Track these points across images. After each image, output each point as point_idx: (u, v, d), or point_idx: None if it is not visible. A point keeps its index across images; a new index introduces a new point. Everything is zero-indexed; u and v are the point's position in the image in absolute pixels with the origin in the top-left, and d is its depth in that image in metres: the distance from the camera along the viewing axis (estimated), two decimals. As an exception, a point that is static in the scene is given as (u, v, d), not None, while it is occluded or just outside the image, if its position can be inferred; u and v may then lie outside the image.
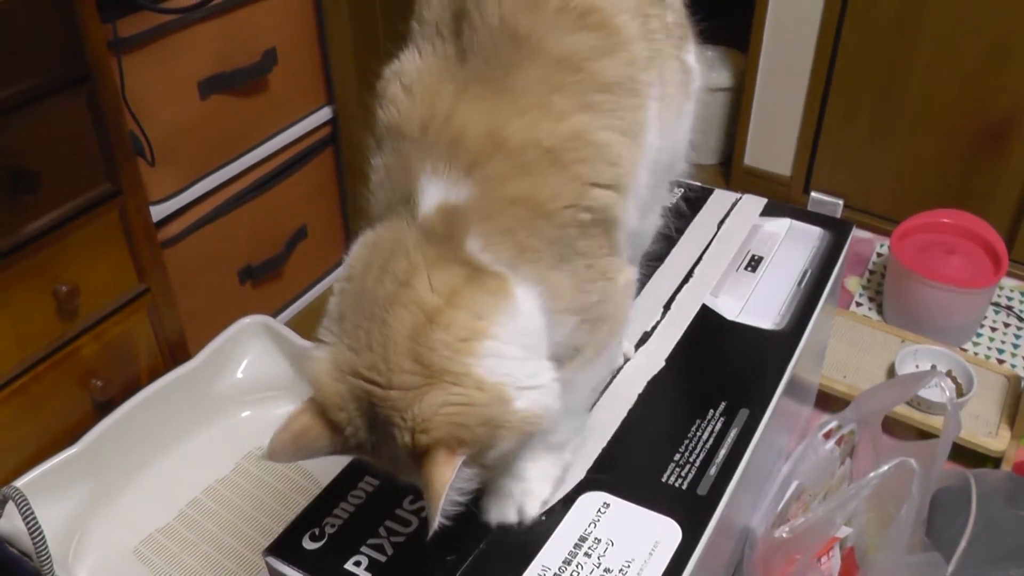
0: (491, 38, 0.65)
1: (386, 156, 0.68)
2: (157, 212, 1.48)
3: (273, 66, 1.66)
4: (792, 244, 1.09)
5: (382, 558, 0.70)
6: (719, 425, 0.83)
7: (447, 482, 0.58)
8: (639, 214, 0.74)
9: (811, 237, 1.10)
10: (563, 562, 0.70)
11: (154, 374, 1.45)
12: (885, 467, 0.97)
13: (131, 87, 1.37)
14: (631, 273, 0.73)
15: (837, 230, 1.11)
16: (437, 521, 0.58)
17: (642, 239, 0.90)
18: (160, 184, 1.51)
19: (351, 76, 1.82)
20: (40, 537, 1.12)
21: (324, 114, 1.86)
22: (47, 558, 1.13)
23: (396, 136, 0.66)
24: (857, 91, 2.09)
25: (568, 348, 0.69)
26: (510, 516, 0.74)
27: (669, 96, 0.75)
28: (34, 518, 1.12)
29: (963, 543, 1.10)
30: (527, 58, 0.65)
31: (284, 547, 0.72)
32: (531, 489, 0.74)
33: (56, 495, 1.28)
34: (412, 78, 0.67)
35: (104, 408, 1.37)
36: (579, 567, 0.69)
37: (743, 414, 0.84)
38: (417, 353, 0.60)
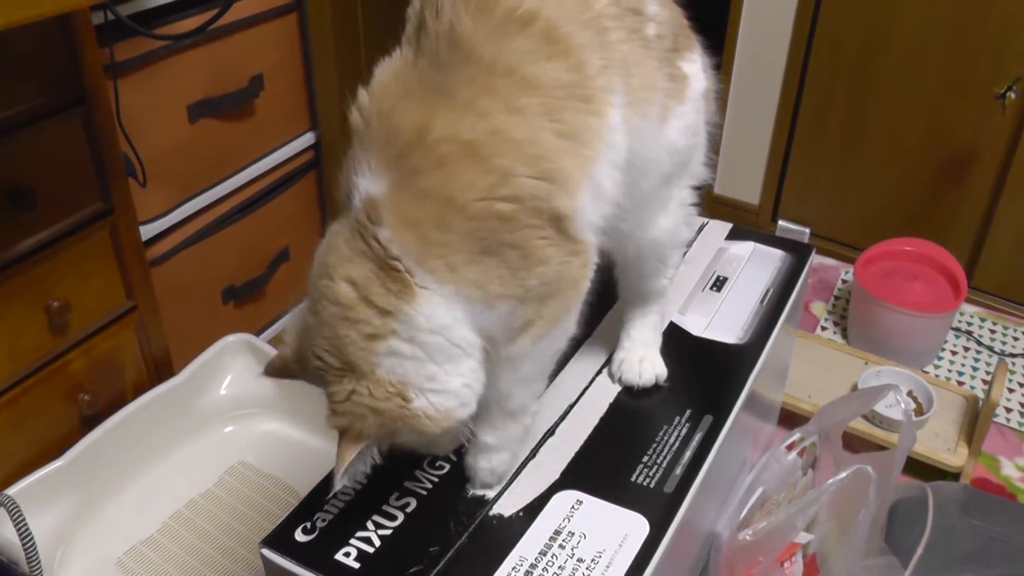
0: (437, 41, 0.69)
1: (347, 153, 0.73)
2: (145, 232, 1.52)
3: (260, 92, 1.71)
4: (755, 265, 1.15)
5: (370, 549, 0.75)
6: (685, 429, 0.88)
7: (345, 462, 0.69)
8: (611, 210, 0.76)
9: (773, 259, 1.16)
10: (539, 553, 0.75)
11: (139, 390, 1.47)
12: (843, 474, 1.02)
13: (124, 110, 1.41)
14: (587, 255, 0.74)
15: (798, 252, 1.17)
16: (339, 485, 0.70)
17: (660, 243, 0.92)
18: (148, 204, 1.54)
19: (335, 102, 1.88)
20: (31, 544, 1.15)
21: (308, 139, 1.91)
22: (37, 565, 1.16)
23: (353, 134, 0.72)
24: (823, 124, 2.17)
25: (512, 326, 0.72)
26: (487, 478, 0.82)
27: (644, 101, 0.78)
28: (25, 525, 1.15)
29: (920, 550, 1.15)
30: (464, 60, 0.68)
31: (278, 540, 0.76)
32: (495, 456, 0.81)
33: (42, 506, 1.30)
34: (375, 80, 0.73)
35: (90, 422, 1.39)
36: (554, 557, 0.74)
37: (707, 420, 0.89)
38: (334, 343, 0.69)
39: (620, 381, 0.95)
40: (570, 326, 0.76)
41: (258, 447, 1.56)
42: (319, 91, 1.87)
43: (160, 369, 1.53)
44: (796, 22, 2.09)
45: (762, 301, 1.08)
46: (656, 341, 0.98)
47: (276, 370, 0.77)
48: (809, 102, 2.18)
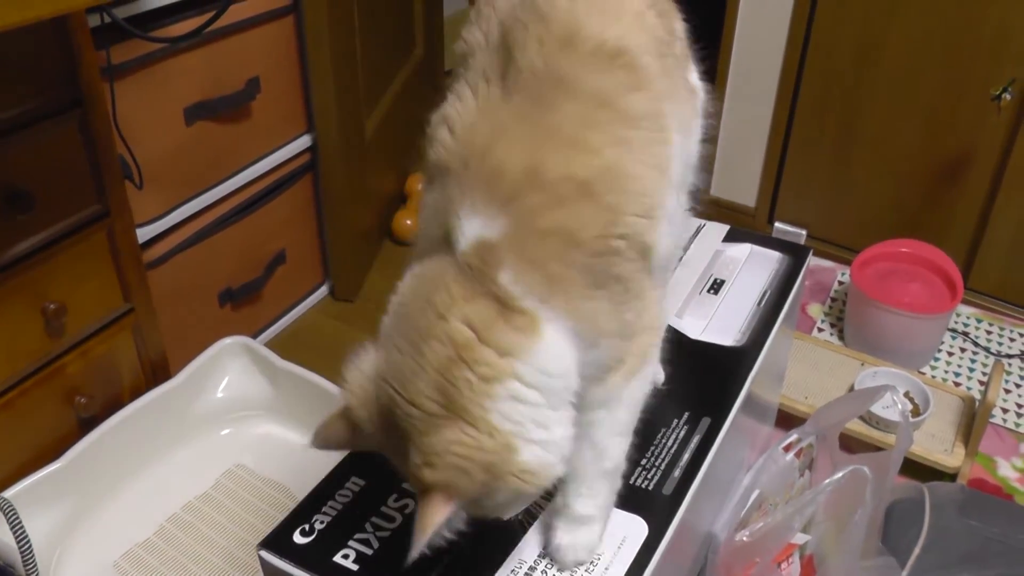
0: (533, 79, 0.69)
1: (433, 193, 0.71)
2: (141, 234, 1.51)
3: (256, 94, 1.70)
4: (752, 267, 1.16)
5: (368, 551, 0.75)
6: (683, 432, 0.88)
7: (436, 524, 0.63)
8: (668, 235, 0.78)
9: (771, 261, 1.17)
10: (539, 556, 0.75)
11: (136, 392, 1.47)
12: (839, 474, 1.03)
13: (120, 112, 1.41)
14: (660, 289, 0.76)
15: (795, 254, 1.17)
16: (418, 551, 0.63)
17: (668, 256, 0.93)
18: (144, 207, 1.54)
19: (331, 105, 1.87)
20: (27, 547, 1.15)
21: (304, 141, 1.90)
22: (33, 568, 1.15)
23: (442, 173, 0.70)
24: (819, 126, 2.18)
25: (609, 362, 0.71)
26: (581, 555, 0.76)
27: (683, 121, 0.81)
28: (22, 528, 1.15)
29: (917, 550, 1.16)
30: (565, 96, 0.69)
31: (276, 541, 0.76)
32: (590, 528, 0.76)
33: (39, 508, 1.30)
34: (456, 119, 0.71)
35: (87, 424, 1.40)
36: (553, 561, 0.74)
37: (705, 422, 0.89)
38: (442, 386, 0.64)
39: None
40: (656, 364, 0.77)
41: (255, 450, 1.56)
42: (315, 94, 1.87)
43: (157, 372, 1.53)
44: (792, 24, 2.09)
45: (759, 303, 1.08)
46: None
47: (339, 440, 0.71)
48: (805, 104, 2.18)
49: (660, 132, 0.73)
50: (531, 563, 0.74)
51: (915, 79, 1.99)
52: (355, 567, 0.73)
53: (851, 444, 1.55)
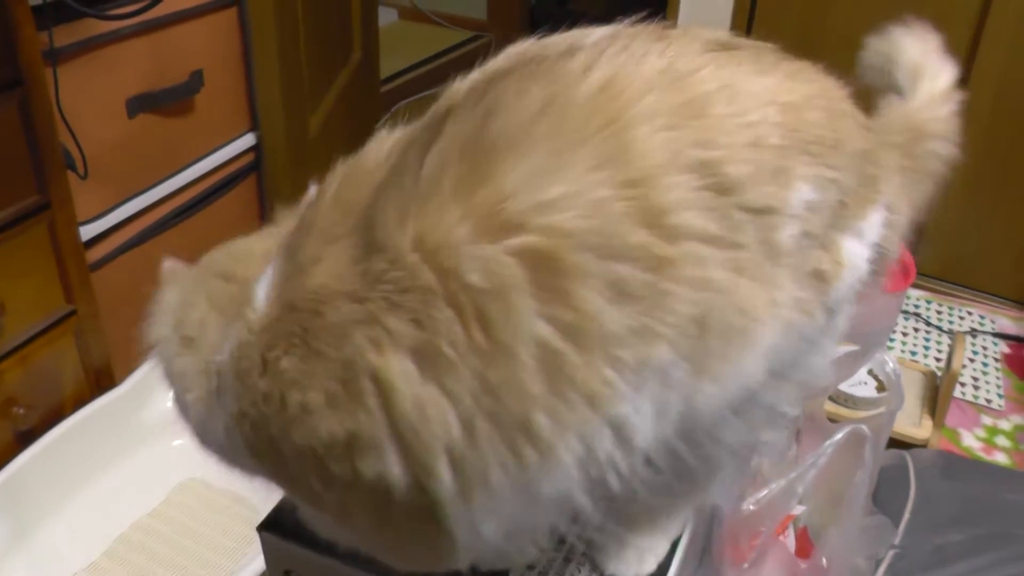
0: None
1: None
2: (82, 233, 1.43)
3: (200, 88, 1.63)
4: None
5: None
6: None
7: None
8: None
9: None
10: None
11: (79, 402, 1.39)
12: (839, 435, 1.01)
13: (61, 100, 1.33)
14: None
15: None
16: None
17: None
18: (86, 204, 1.45)
19: (276, 103, 1.81)
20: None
21: (248, 140, 1.83)
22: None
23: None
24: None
25: None
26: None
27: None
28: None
29: (907, 515, 1.15)
30: None
31: (276, 521, 0.71)
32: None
33: (-25, 530, 1.21)
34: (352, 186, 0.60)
35: (26, 438, 1.30)
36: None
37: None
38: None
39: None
40: None
41: (210, 461, 1.48)
42: (260, 89, 1.81)
43: (101, 380, 1.44)
44: (734, 13, 2.11)
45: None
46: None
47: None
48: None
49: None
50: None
51: (856, 63, 2.02)
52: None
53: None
